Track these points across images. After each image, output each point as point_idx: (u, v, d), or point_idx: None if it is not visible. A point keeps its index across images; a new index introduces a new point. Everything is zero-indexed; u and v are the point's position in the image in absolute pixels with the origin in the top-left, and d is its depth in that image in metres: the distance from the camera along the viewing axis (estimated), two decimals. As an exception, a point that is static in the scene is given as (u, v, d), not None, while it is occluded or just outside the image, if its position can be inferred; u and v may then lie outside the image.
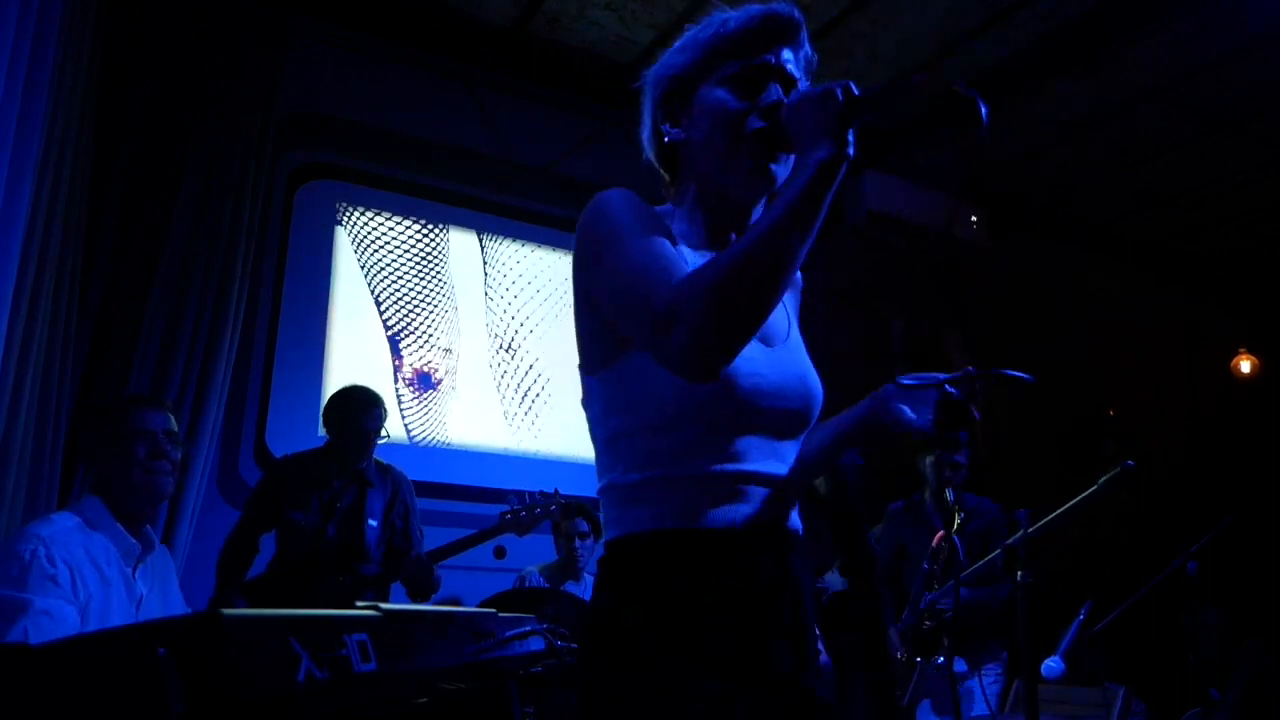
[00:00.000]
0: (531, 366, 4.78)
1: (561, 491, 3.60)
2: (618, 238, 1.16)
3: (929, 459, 3.77)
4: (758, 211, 1.29)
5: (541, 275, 4.90)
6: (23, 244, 2.72)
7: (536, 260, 4.91)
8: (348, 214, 4.48)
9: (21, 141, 2.59)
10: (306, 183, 4.39)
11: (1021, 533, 2.48)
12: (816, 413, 1.29)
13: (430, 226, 4.66)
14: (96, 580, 2.00)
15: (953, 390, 1.23)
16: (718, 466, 1.18)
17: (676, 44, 1.31)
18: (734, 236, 1.29)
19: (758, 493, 1.20)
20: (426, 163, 4.63)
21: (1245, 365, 6.83)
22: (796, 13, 1.27)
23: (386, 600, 3.46)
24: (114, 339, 3.62)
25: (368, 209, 4.52)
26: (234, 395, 3.95)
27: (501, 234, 4.83)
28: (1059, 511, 2.50)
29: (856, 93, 1.11)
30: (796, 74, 1.27)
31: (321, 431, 3.67)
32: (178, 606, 2.29)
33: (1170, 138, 5.32)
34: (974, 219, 5.55)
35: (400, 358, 4.47)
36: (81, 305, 3.48)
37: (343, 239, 4.44)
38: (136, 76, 3.78)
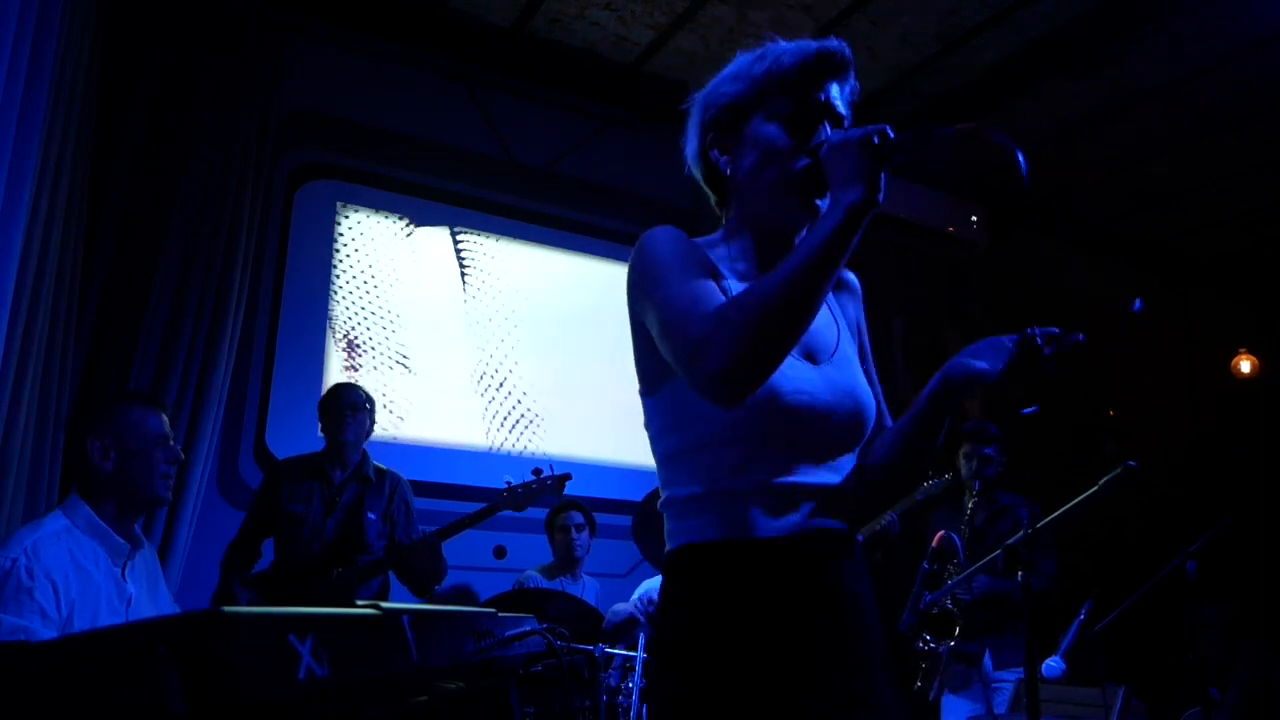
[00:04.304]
0: (531, 366, 4.78)
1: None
2: (664, 273, 1.24)
3: (962, 451, 3.77)
4: (801, 237, 1.33)
5: (542, 275, 4.90)
6: (23, 244, 2.72)
7: (537, 260, 4.91)
8: (348, 214, 4.48)
9: (21, 141, 2.58)
10: (306, 183, 4.38)
11: (1023, 532, 2.47)
12: (870, 423, 1.33)
13: (430, 226, 4.66)
14: (81, 586, 1.97)
15: (1033, 335, 1.23)
16: (770, 480, 1.23)
17: (729, 70, 1.36)
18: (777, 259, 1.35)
19: (811, 504, 1.24)
20: (427, 163, 4.63)
21: (1245, 365, 6.83)
22: (847, 50, 1.31)
23: (388, 593, 3.51)
24: (114, 339, 3.62)
25: (368, 209, 4.52)
26: (234, 395, 3.95)
27: (502, 234, 4.82)
28: (1061, 511, 2.50)
29: (893, 138, 1.16)
30: (843, 110, 1.32)
31: (321, 434, 3.68)
32: (166, 605, 2.27)
33: (1170, 138, 5.31)
34: (974, 219, 5.54)
35: (400, 356, 4.46)
36: (81, 305, 3.48)
37: (343, 239, 4.44)
38: (137, 76, 3.78)
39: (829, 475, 1.27)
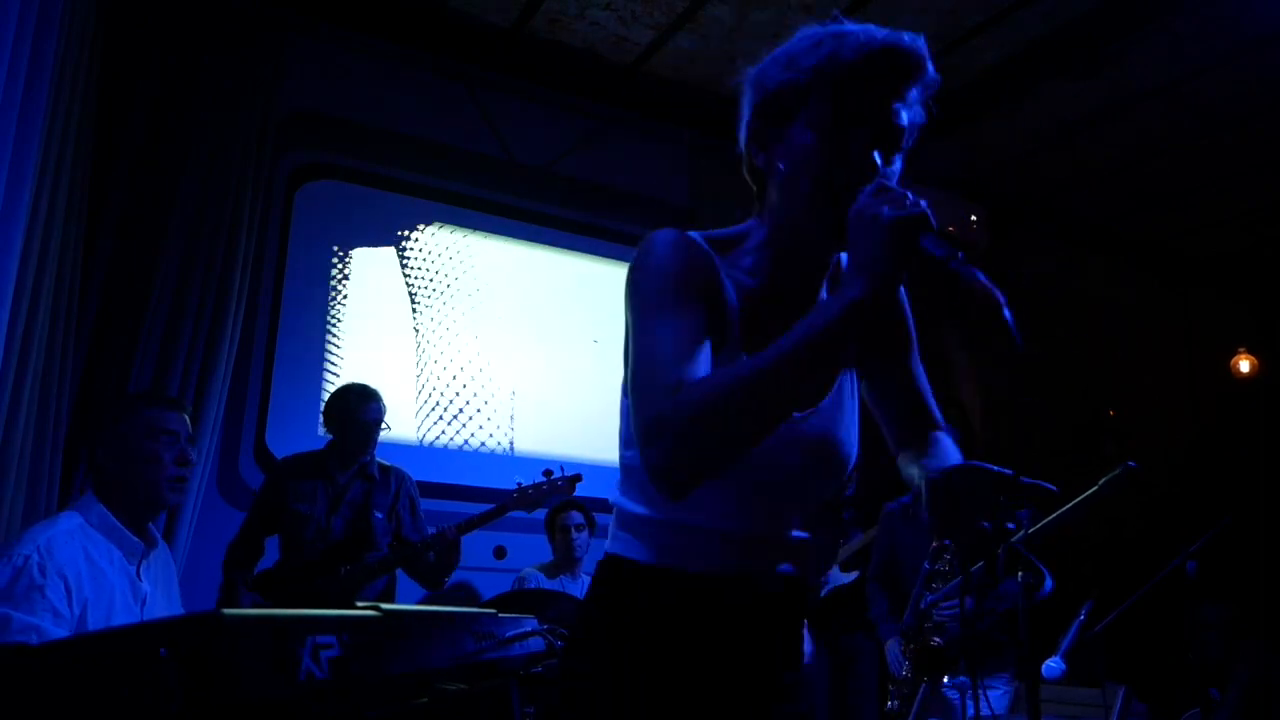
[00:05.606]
0: (531, 366, 4.78)
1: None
2: (653, 308, 1.10)
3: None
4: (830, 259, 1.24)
5: (541, 275, 4.90)
6: (23, 244, 2.72)
7: (536, 260, 4.91)
8: (348, 214, 4.47)
9: (22, 141, 2.58)
10: (306, 183, 4.38)
11: (1022, 532, 2.47)
12: (831, 481, 1.24)
13: (430, 226, 4.66)
14: (94, 584, 1.96)
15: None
16: (720, 524, 1.18)
17: (785, 49, 1.18)
18: (800, 277, 1.23)
19: (759, 549, 1.21)
20: (426, 163, 4.63)
21: (1245, 365, 6.83)
22: (921, 45, 1.14)
23: (394, 592, 3.51)
24: (114, 339, 3.62)
25: (368, 209, 4.52)
26: (234, 395, 3.95)
27: (501, 234, 4.82)
28: (1059, 511, 2.50)
29: (935, 225, 1.00)
30: (903, 122, 1.14)
31: (322, 431, 3.68)
32: (179, 607, 2.27)
33: (1170, 138, 5.31)
34: (974, 219, 5.55)
35: (401, 357, 4.46)
36: (81, 305, 3.48)
37: (343, 239, 4.44)
38: (137, 76, 3.78)
39: (782, 526, 1.23)
